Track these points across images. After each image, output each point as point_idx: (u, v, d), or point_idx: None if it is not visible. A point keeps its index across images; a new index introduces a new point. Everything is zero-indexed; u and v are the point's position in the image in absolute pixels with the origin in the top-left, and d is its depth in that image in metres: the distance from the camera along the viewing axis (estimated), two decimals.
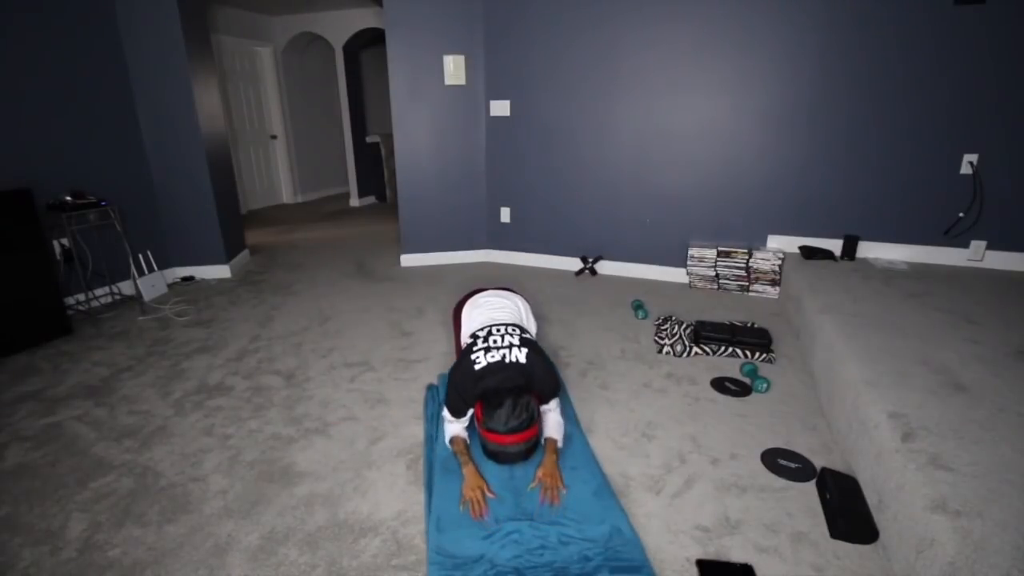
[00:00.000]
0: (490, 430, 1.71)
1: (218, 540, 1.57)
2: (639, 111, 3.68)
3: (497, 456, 1.76)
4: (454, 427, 1.88)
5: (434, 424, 2.09)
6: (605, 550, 1.47)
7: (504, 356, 1.86)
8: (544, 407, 1.89)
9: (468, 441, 1.87)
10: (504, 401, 1.70)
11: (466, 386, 1.82)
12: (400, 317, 3.26)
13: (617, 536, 1.51)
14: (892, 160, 3.21)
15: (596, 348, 2.81)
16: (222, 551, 1.54)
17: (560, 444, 1.86)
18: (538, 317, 2.90)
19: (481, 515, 1.59)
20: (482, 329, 2.03)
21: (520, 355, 1.86)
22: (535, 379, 1.84)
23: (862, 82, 3.16)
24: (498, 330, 1.99)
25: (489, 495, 1.66)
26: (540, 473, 1.72)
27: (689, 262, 3.69)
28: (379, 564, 1.48)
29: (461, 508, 1.62)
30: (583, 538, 1.51)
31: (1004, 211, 3.08)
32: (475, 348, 1.91)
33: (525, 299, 2.46)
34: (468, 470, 1.72)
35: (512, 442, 1.70)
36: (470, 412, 1.88)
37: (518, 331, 2.00)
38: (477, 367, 1.84)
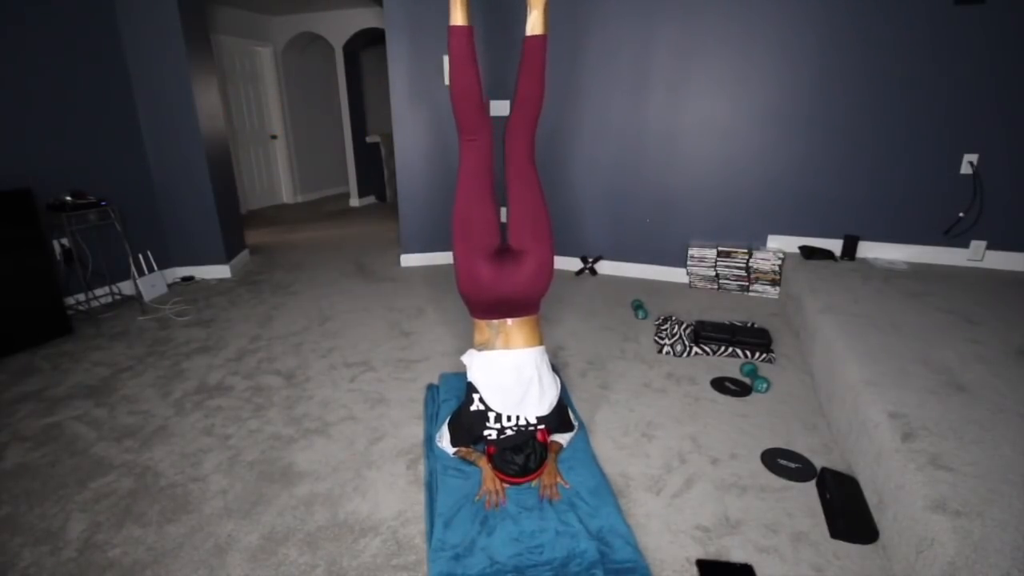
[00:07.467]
0: (500, 470, 1.71)
1: (218, 540, 1.57)
2: (639, 110, 3.68)
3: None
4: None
5: (434, 424, 2.09)
6: (601, 545, 1.48)
7: (519, 429, 1.79)
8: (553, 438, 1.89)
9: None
10: (517, 456, 1.69)
11: (473, 439, 1.83)
12: (400, 317, 3.26)
13: (613, 535, 1.52)
14: (892, 160, 3.21)
15: (596, 348, 2.81)
16: (222, 551, 1.54)
17: (564, 446, 1.89)
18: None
19: (497, 505, 1.64)
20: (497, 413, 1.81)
21: (537, 427, 1.80)
22: (549, 427, 1.83)
23: (862, 82, 3.15)
24: (517, 418, 1.81)
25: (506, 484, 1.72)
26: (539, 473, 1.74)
27: (689, 262, 3.69)
28: (379, 564, 1.48)
29: (477, 499, 1.65)
30: (580, 535, 1.52)
31: (1004, 211, 3.08)
32: (488, 425, 1.79)
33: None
34: (484, 464, 1.76)
35: (521, 482, 1.72)
36: None
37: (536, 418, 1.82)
38: (489, 437, 1.79)
